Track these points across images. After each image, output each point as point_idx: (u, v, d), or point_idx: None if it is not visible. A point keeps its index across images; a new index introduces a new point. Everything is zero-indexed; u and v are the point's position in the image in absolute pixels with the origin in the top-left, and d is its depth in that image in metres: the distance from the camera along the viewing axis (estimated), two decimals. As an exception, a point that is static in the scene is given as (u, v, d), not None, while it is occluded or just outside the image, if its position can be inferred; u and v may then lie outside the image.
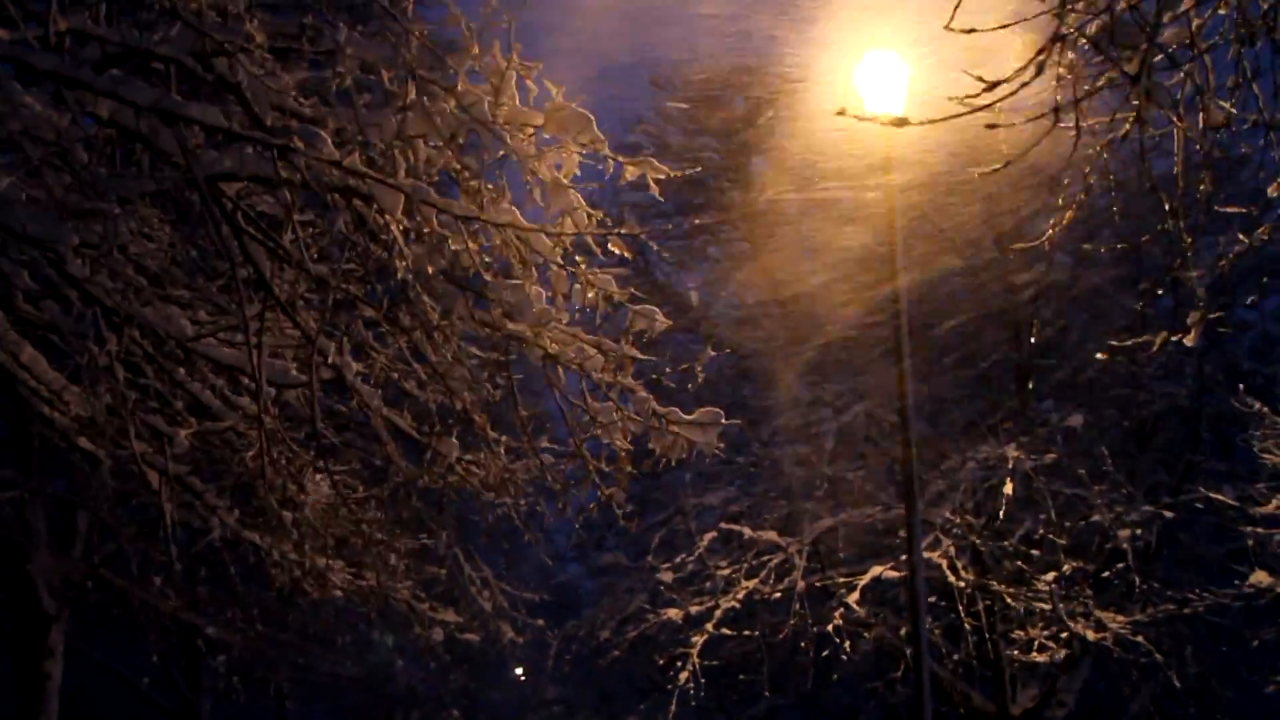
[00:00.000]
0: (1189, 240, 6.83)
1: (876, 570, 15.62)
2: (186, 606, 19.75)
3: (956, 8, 6.23)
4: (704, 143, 27.04)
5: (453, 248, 6.64)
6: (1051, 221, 7.29)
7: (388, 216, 6.19)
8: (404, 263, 6.39)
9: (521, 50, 6.45)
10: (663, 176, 6.81)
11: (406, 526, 12.15)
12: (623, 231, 6.70)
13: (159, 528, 14.23)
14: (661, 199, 6.91)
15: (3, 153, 6.39)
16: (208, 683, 24.85)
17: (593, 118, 6.54)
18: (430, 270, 6.61)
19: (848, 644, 15.65)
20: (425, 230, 6.42)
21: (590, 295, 6.77)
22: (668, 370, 7.10)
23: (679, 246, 27.20)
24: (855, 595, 15.48)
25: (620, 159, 6.71)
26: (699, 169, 11.33)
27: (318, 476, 9.10)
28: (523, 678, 38.52)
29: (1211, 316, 7.31)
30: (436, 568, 14.14)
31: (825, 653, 15.89)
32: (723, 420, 7.02)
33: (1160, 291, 18.33)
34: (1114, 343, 10.90)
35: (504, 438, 7.99)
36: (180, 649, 24.25)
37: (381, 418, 7.70)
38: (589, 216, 6.73)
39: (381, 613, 13.27)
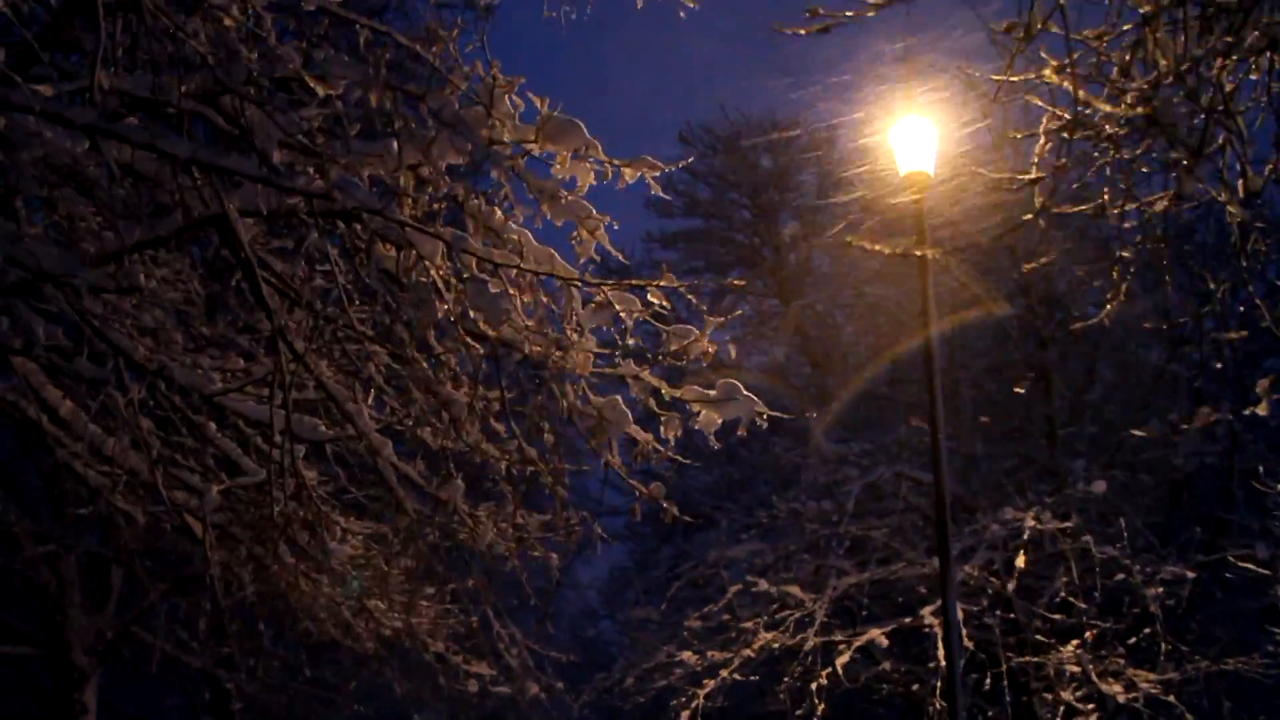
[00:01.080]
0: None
1: (874, 633, 15.60)
2: (216, 662, 19.80)
3: (1000, 88, 6.35)
4: (733, 199, 27.18)
5: (492, 290, 6.67)
6: (1104, 308, 7.33)
7: (426, 262, 6.27)
8: (445, 306, 6.43)
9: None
10: (659, 172, 6.80)
11: (438, 580, 12.18)
12: (661, 284, 6.60)
13: (192, 582, 14.27)
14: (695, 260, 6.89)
15: (23, 196, 6.49)
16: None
17: (581, 124, 6.56)
18: (474, 313, 6.64)
19: (824, 688, 15.53)
20: (466, 276, 6.48)
21: (615, 311, 6.73)
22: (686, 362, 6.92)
23: (709, 304, 27.33)
24: (844, 658, 15.43)
25: (617, 162, 6.72)
26: (701, 151, 11.35)
27: (342, 532, 9.14)
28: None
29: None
30: (467, 621, 14.10)
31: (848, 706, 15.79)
32: (743, 391, 6.79)
33: (1187, 347, 18.31)
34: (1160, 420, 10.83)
35: (519, 449, 7.76)
36: (210, 704, 24.28)
37: (392, 465, 7.73)
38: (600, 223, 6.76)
39: (408, 665, 13.27)
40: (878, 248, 10.11)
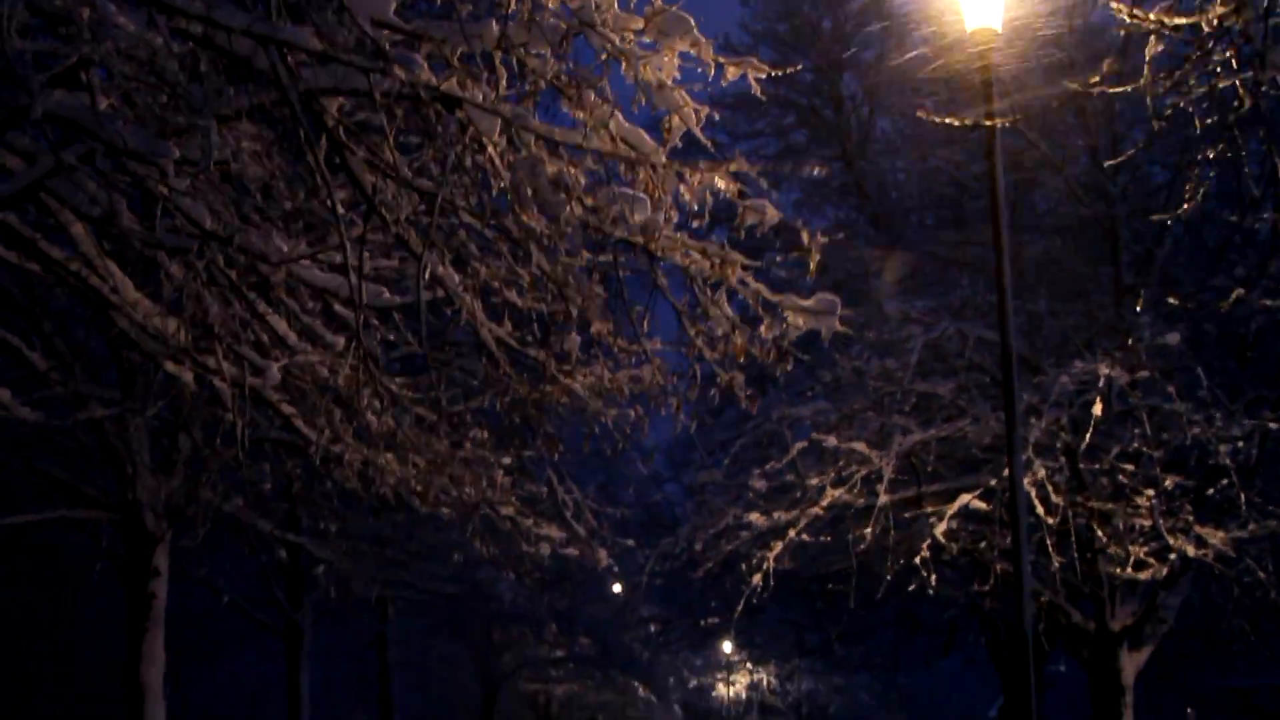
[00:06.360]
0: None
1: (965, 498, 15.52)
2: (285, 525, 20.06)
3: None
4: (795, 61, 26.81)
5: (550, 170, 6.67)
6: (1143, 141, 7.24)
7: (485, 138, 6.23)
8: (500, 182, 6.46)
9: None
10: (764, 75, 6.89)
11: (508, 443, 12.20)
12: (733, 168, 6.81)
13: (253, 447, 14.33)
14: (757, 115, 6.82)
15: (100, 72, 6.46)
16: (310, 599, 25.31)
17: (693, 20, 6.58)
18: (532, 189, 6.64)
19: (928, 560, 15.52)
20: (524, 154, 6.48)
21: (696, 191, 6.87)
22: (779, 259, 7.23)
23: (772, 167, 27.10)
24: (943, 526, 15.39)
25: (722, 60, 6.77)
26: (798, 67, 11.39)
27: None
28: (620, 595, 38.77)
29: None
30: (537, 485, 14.13)
31: (913, 565, 15.76)
32: (838, 308, 7.28)
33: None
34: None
35: (618, 338, 8.10)
36: (282, 568, 24.71)
37: (487, 329, 7.79)
38: (696, 114, 6.77)
39: (482, 529, 13.32)
40: (947, 120, 9.98)
